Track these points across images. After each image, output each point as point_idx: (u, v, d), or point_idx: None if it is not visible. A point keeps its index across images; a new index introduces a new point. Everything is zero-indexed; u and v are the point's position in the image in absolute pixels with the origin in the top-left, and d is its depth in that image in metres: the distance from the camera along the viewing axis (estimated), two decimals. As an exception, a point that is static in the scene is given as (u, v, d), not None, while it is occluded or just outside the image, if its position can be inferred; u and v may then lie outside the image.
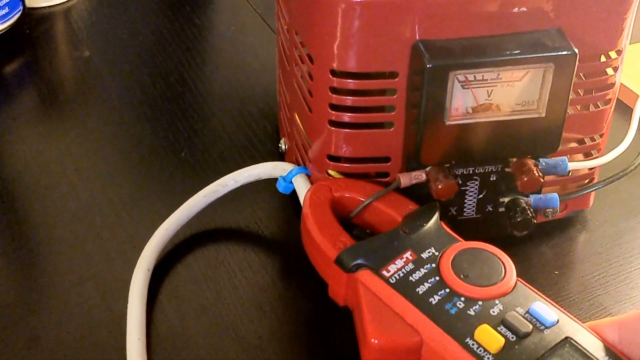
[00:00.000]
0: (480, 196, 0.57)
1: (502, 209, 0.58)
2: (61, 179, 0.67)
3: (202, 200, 0.61)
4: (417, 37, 0.51)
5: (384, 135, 0.55)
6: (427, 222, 0.52)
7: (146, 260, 0.57)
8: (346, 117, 0.55)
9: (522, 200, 0.57)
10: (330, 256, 0.50)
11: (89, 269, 0.59)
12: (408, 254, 0.50)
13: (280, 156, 0.67)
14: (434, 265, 0.49)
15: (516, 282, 0.48)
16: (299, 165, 0.61)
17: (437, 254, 0.50)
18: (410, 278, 0.48)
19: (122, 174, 0.67)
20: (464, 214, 0.58)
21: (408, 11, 0.51)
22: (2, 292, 0.57)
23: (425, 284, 0.48)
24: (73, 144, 0.71)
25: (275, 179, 0.61)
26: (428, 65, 0.50)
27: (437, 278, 0.48)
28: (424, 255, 0.50)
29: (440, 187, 0.54)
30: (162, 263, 0.59)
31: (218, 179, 0.63)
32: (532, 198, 0.58)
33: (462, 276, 0.48)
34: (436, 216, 0.52)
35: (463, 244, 0.50)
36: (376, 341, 0.46)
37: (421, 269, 0.49)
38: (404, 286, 0.48)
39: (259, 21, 0.87)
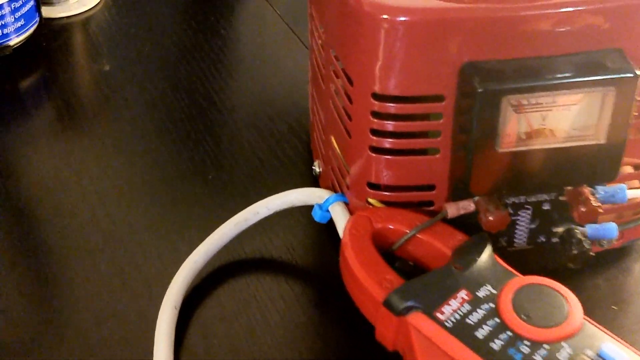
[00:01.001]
0: (532, 226, 0.53)
1: (555, 240, 0.54)
2: (80, 204, 0.63)
3: (232, 229, 0.57)
4: (466, 59, 0.47)
5: (428, 162, 0.51)
6: (480, 256, 0.48)
7: (173, 296, 0.53)
8: (388, 142, 0.51)
9: (577, 231, 0.53)
10: (378, 298, 0.47)
11: (112, 305, 0.55)
12: (463, 293, 0.46)
13: (314, 179, 0.63)
14: (492, 305, 0.45)
15: (583, 322, 0.44)
16: (335, 191, 0.57)
17: (494, 292, 0.46)
18: (468, 320, 0.44)
19: (145, 198, 0.63)
20: (514, 245, 0.54)
21: (456, 31, 0.47)
22: (17, 330, 0.54)
23: (485, 326, 0.44)
24: (92, 164, 0.67)
25: (310, 206, 0.57)
26: (479, 90, 0.46)
27: (497, 319, 0.44)
28: (480, 293, 0.46)
29: (491, 218, 0.50)
30: (190, 298, 0.55)
31: (247, 203, 0.59)
32: (589, 228, 0.53)
33: (524, 316, 0.44)
34: (489, 249, 0.48)
35: (522, 280, 0.46)
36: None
37: (479, 310, 0.45)
38: (461, 330, 0.44)
39: (288, 32, 0.83)
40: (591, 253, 0.53)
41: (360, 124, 0.51)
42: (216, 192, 0.64)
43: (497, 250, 0.51)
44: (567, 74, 0.47)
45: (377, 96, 0.49)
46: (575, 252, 0.53)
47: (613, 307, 0.55)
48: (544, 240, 0.54)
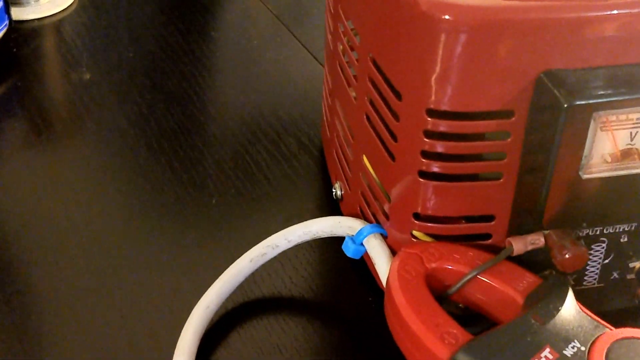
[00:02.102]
0: (606, 261, 0.45)
1: (631, 276, 0.46)
2: (59, 226, 0.54)
3: (247, 266, 0.49)
4: (544, 67, 0.39)
5: (488, 189, 0.43)
6: (562, 304, 0.39)
7: (186, 349, 0.44)
8: (441, 166, 0.42)
9: (657, 265, 0.45)
10: (441, 357, 0.38)
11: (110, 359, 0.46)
12: (547, 352, 0.37)
13: (333, 204, 0.55)
14: None
15: None
16: (365, 219, 0.49)
17: (583, 349, 0.37)
18: None
19: (140, 229, 0.55)
20: (584, 282, 0.46)
21: (534, 33, 0.39)
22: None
23: None
24: (74, 185, 0.58)
25: (334, 238, 0.49)
26: (565, 105, 0.38)
27: None
28: (568, 352, 0.38)
29: (568, 256, 0.42)
30: (203, 348, 0.46)
31: (260, 232, 0.51)
32: (671, 262, 0.46)
33: None
34: (571, 296, 0.40)
35: (614, 334, 0.38)
36: None
37: None
38: None
39: (286, 34, 0.74)
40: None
41: (408, 145, 0.43)
42: (222, 220, 0.55)
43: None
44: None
45: (432, 112, 0.41)
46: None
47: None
48: (617, 277, 0.47)
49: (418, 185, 0.44)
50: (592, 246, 0.45)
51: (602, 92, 0.39)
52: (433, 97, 0.41)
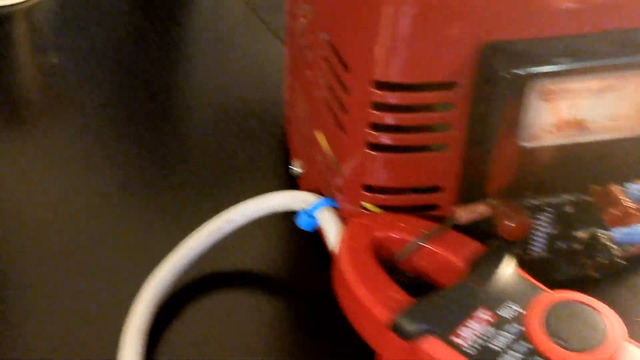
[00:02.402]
0: (552, 231, 0.46)
1: (578, 246, 0.47)
2: (27, 212, 0.55)
3: (204, 240, 0.50)
4: (486, 39, 0.40)
5: (435, 160, 0.44)
6: (501, 268, 0.40)
7: (137, 321, 0.45)
8: (389, 138, 0.43)
9: (602, 235, 0.46)
10: (383, 320, 0.39)
11: (64, 329, 0.47)
12: (483, 313, 0.39)
13: (292, 181, 0.56)
14: (519, 326, 0.38)
15: (626, 343, 0.37)
16: (320, 194, 0.50)
17: (520, 310, 0.39)
18: (491, 346, 0.38)
19: (102, 206, 0.56)
20: (531, 252, 0.47)
21: (476, 6, 0.39)
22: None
23: (512, 352, 0.37)
24: (41, 168, 0.59)
25: (291, 213, 0.50)
26: (503, 75, 0.39)
27: (527, 344, 0.37)
28: (504, 313, 0.39)
29: (511, 224, 0.43)
30: (157, 320, 0.47)
31: (219, 209, 0.51)
32: (616, 232, 0.46)
33: (558, 340, 0.37)
34: (511, 260, 0.41)
35: (551, 297, 0.39)
36: None
37: (503, 333, 0.38)
38: (484, 357, 0.37)
39: (252, 17, 0.75)
40: (617, 259, 0.46)
41: (357, 117, 0.44)
42: (183, 198, 0.56)
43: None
44: (603, 55, 0.40)
45: (378, 84, 0.42)
46: (602, 260, 0.46)
47: (637, 319, 0.48)
48: (564, 247, 0.48)
49: (367, 157, 0.45)
50: (538, 216, 0.46)
51: (541, 63, 0.40)
52: (378, 69, 0.42)
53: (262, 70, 0.69)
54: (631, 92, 0.42)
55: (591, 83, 0.41)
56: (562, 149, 0.43)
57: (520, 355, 0.37)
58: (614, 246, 0.47)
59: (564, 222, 0.47)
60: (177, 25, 0.75)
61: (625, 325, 0.45)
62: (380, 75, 0.42)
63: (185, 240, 0.50)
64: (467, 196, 0.45)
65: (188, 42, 0.73)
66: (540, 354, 0.37)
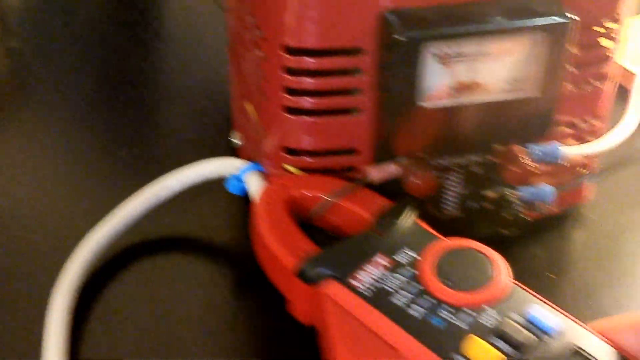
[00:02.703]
0: (463, 191, 0.49)
1: (488, 205, 0.50)
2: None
3: (140, 205, 0.52)
4: (387, 6, 0.43)
5: (349, 124, 0.47)
6: (401, 219, 0.44)
7: (69, 278, 0.48)
8: (305, 102, 0.47)
9: (510, 194, 0.49)
10: (289, 267, 0.42)
11: None
12: (381, 258, 0.42)
13: (234, 153, 0.59)
14: (412, 270, 0.41)
15: (510, 285, 0.40)
16: (253, 162, 0.53)
17: (415, 256, 0.42)
18: (385, 287, 0.40)
19: (49, 174, 0.59)
20: (445, 212, 0.50)
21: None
22: None
23: (403, 292, 0.40)
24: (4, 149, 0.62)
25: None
26: (398, 38, 0.42)
27: (418, 285, 0.40)
28: (400, 258, 0.42)
29: (417, 181, 0.46)
30: (93, 282, 0.50)
31: (161, 179, 0.54)
32: (523, 191, 0.50)
33: (446, 281, 0.40)
34: (411, 213, 0.44)
35: (445, 243, 0.42)
36: (349, 366, 0.38)
37: (397, 276, 0.41)
38: (378, 297, 0.40)
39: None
40: (526, 217, 0.49)
41: (273, 83, 0.47)
42: (129, 170, 0.59)
43: (426, 218, 0.47)
44: (493, 20, 0.43)
45: (289, 49, 0.45)
46: (509, 216, 0.49)
47: (551, 275, 0.51)
48: (475, 206, 0.51)
49: (285, 120, 0.48)
50: (448, 176, 0.49)
51: (434, 27, 0.43)
52: (288, 35, 0.45)
53: (215, 48, 0.72)
54: (525, 55, 0.44)
55: (484, 47, 0.44)
56: (462, 110, 0.46)
57: (411, 295, 0.40)
58: (522, 204, 0.50)
59: (473, 182, 0.50)
60: (134, 8, 0.77)
61: (539, 280, 0.49)
62: (290, 40, 0.45)
63: (121, 205, 0.52)
64: (381, 157, 0.48)
65: (143, 24, 0.76)
66: (429, 293, 0.40)
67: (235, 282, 0.52)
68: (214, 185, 0.54)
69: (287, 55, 0.45)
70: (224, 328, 0.48)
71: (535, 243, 0.53)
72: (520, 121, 0.47)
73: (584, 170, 0.53)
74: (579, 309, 0.49)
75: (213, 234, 0.55)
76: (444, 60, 0.44)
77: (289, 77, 0.46)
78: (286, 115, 0.47)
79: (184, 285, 0.51)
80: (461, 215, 0.51)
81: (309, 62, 0.45)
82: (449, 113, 0.46)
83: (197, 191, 0.54)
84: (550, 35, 0.44)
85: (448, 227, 0.46)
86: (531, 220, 0.52)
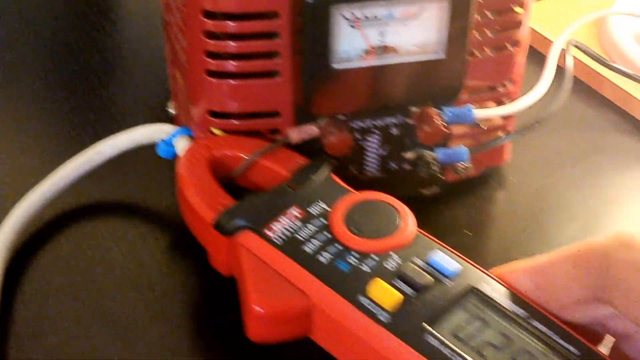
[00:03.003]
0: (383, 153, 0.52)
1: (407, 167, 0.52)
2: None
3: (73, 170, 0.54)
4: (298, -30, 0.45)
5: (270, 86, 0.49)
6: (315, 175, 0.46)
7: (1, 239, 0.50)
8: (227, 65, 0.49)
9: (427, 155, 0.52)
10: (208, 220, 0.44)
11: None
12: (294, 211, 0.44)
13: (172, 123, 0.60)
14: (324, 220, 0.43)
15: (415, 234, 0.42)
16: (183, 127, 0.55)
17: (327, 208, 0.44)
18: (297, 236, 0.43)
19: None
20: (366, 173, 0.52)
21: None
22: None
23: (314, 241, 0.42)
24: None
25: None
26: (307, 1, 0.44)
27: (327, 234, 0.43)
28: (313, 210, 0.44)
29: (333, 140, 0.49)
30: (26, 244, 0.52)
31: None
32: (439, 152, 0.52)
33: (354, 230, 0.42)
34: (326, 169, 0.47)
35: (356, 196, 0.45)
36: (260, 309, 0.41)
37: (309, 226, 0.43)
38: (290, 246, 0.42)
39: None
40: (441, 176, 0.51)
41: (195, 47, 0.49)
42: (72, 139, 0.61)
43: (348, 179, 0.49)
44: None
45: (208, 14, 0.47)
46: (424, 174, 0.51)
47: (468, 232, 0.53)
48: (395, 167, 0.53)
49: (208, 84, 0.50)
50: (367, 138, 0.51)
51: (343, -10, 0.45)
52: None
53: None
54: (431, 19, 0.47)
55: (393, 10, 0.46)
56: (375, 71, 0.48)
57: (321, 243, 0.43)
58: (439, 165, 0.52)
59: (392, 144, 0.52)
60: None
61: (456, 237, 0.51)
62: (208, 5, 0.47)
63: (55, 170, 0.54)
64: (301, 119, 0.50)
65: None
66: (337, 241, 0.43)
67: (167, 244, 0.53)
68: (150, 151, 0.55)
69: (207, 20, 0.47)
70: (155, 288, 0.50)
71: (456, 204, 0.56)
72: (433, 83, 0.49)
73: (501, 133, 0.55)
74: (494, 264, 0.51)
75: (147, 199, 0.56)
76: (355, 23, 0.46)
77: (209, 41, 0.48)
78: (210, 79, 0.49)
79: (116, 247, 0.53)
80: (382, 176, 0.53)
81: (228, 25, 0.47)
82: (363, 75, 0.48)
83: (132, 157, 0.56)
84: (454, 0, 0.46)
85: (370, 188, 0.48)
86: (452, 181, 0.54)
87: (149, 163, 0.58)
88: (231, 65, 0.48)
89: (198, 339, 0.47)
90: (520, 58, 0.53)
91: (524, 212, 0.55)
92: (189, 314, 0.49)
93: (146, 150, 0.55)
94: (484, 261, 0.46)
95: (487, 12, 0.50)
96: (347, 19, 0.46)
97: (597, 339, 0.40)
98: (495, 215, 0.56)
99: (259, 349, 0.43)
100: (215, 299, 0.49)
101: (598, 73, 0.65)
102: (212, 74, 0.49)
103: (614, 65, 0.63)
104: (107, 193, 0.56)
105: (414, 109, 0.51)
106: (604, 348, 0.39)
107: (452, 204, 0.55)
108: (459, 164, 0.54)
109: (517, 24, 0.51)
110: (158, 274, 0.51)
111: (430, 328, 0.39)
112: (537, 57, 0.62)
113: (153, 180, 0.58)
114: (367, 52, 0.47)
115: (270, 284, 0.42)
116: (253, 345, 0.42)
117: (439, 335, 0.38)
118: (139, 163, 0.58)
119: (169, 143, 0.54)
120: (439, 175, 0.51)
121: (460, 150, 0.52)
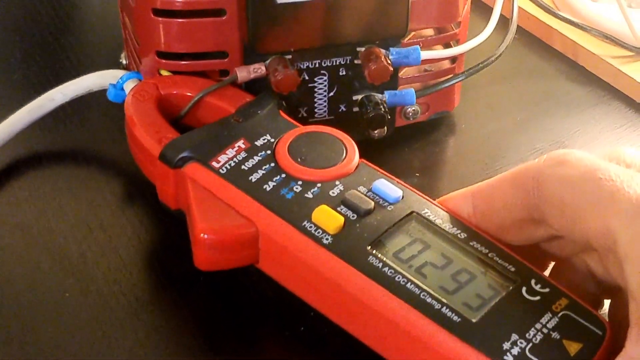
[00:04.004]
0: (331, 94, 0.52)
1: (356, 109, 0.53)
2: None
3: (26, 116, 0.54)
4: None
5: (217, 25, 0.49)
6: (262, 109, 0.46)
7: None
8: (173, 4, 0.49)
9: (375, 96, 0.52)
10: (155, 153, 0.44)
11: None
12: (241, 143, 0.44)
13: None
14: (269, 152, 0.44)
15: (359, 163, 0.43)
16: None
17: (272, 140, 0.44)
18: (243, 167, 0.43)
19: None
20: (316, 115, 0.53)
21: None
22: None
23: (259, 171, 0.43)
24: None
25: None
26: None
27: (273, 164, 0.43)
28: (258, 142, 0.44)
29: (279, 77, 0.49)
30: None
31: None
32: (387, 94, 0.52)
33: (299, 160, 0.43)
34: (272, 104, 0.47)
35: (301, 129, 0.45)
36: (206, 236, 0.41)
37: (255, 157, 0.44)
38: (235, 176, 0.43)
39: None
40: (388, 116, 0.52)
41: (141, -14, 0.49)
42: (26, 90, 0.61)
43: (298, 121, 0.49)
44: None
45: (153, -49, 0.47)
46: (371, 115, 0.52)
47: (416, 174, 0.54)
48: (344, 109, 0.53)
49: (155, 24, 0.50)
50: (315, 79, 0.52)
51: None
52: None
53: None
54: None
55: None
56: (317, 6, 0.48)
57: (265, 172, 0.43)
58: (387, 107, 0.53)
59: (341, 85, 0.52)
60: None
61: (404, 178, 0.51)
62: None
63: (9, 117, 0.54)
64: (249, 58, 0.50)
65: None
66: (282, 170, 0.43)
67: (120, 189, 0.53)
68: (104, 99, 0.55)
69: (152, -43, 0.47)
70: (107, 228, 0.50)
71: (406, 148, 0.56)
72: (375, 20, 0.49)
73: (449, 76, 0.55)
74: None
75: (100, 146, 0.56)
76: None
77: (154, -23, 0.48)
78: (156, 18, 0.49)
79: (69, 192, 0.52)
80: (331, 118, 0.53)
81: (173, -39, 0.47)
82: (308, 9, 0.48)
83: (85, 104, 0.56)
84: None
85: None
86: (401, 127, 0.54)
87: (102, 111, 0.57)
88: (177, 3, 0.48)
89: (148, 274, 0.47)
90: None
91: (473, 156, 0.56)
92: (140, 252, 0.49)
93: (100, 99, 0.55)
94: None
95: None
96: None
97: (542, 266, 0.41)
98: (445, 159, 0.56)
99: (204, 285, 0.44)
100: (166, 238, 0.49)
101: (547, 24, 0.66)
102: (159, 12, 0.49)
103: (561, 14, 0.64)
104: (60, 140, 0.56)
105: (360, 49, 0.51)
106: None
107: (402, 148, 0.56)
108: (407, 108, 0.54)
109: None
110: (110, 216, 0.51)
111: (372, 249, 0.39)
112: (485, 9, 0.63)
113: (107, 127, 0.57)
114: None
115: (217, 212, 0.42)
116: (199, 279, 0.44)
117: (380, 255, 0.39)
118: (92, 110, 0.58)
119: (119, 87, 0.54)
120: (387, 116, 0.52)
121: (408, 92, 0.53)
